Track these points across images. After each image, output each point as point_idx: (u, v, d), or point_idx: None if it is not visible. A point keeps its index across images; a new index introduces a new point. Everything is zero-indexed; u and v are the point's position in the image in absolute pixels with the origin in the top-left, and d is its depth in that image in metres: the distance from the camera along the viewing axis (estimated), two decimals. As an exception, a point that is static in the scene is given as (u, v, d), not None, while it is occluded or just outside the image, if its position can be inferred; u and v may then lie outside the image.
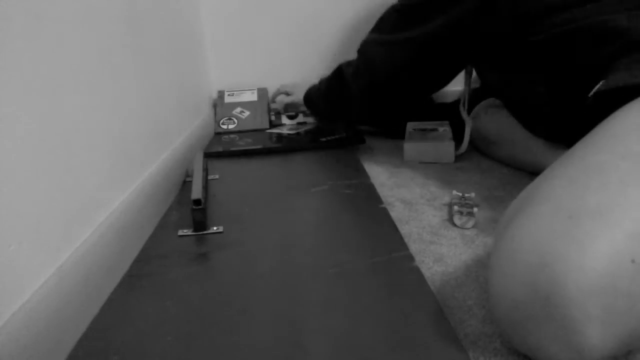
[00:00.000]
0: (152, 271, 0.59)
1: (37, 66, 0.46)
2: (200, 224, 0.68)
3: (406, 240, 0.64)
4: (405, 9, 0.92)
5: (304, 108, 1.24)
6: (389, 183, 0.92)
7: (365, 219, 0.71)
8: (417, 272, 0.55)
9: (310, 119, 1.33)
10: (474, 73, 1.04)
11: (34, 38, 0.46)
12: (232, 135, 1.27)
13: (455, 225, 0.72)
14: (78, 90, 0.55)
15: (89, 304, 0.51)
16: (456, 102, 1.17)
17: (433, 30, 0.87)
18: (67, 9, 0.53)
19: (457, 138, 1.05)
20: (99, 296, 0.53)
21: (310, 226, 0.70)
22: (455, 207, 0.75)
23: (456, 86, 1.12)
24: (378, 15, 0.99)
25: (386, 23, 0.97)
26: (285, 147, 1.13)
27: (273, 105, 1.34)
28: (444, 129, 1.11)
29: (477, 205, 0.76)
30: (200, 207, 0.68)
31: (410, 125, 1.15)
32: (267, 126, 1.33)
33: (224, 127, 1.33)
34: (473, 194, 0.80)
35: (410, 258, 0.58)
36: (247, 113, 1.36)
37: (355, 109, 1.07)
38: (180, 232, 0.68)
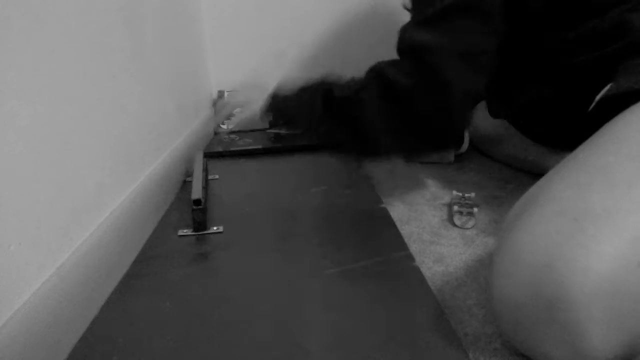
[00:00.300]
0: (152, 271, 0.59)
1: (37, 66, 0.46)
2: (200, 224, 0.68)
3: (406, 240, 0.64)
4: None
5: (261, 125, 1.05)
6: (389, 183, 0.92)
7: (365, 219, 0.71)
8: (417, 272, 0.55)
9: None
10: None
11: (34, 38, 0.46)
12: (232, 135, 1.27)
13: (455, 225, 0.72)
14: (78, 90, 0.55)
15: (89, 304, 0.51)
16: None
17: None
18: (66, 9, 0.53)
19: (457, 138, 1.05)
20: (99, 296, 0.53)
21: (310, 226, 0.70)
22: (455, 207, 0.75)
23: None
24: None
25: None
26: (285, 147, 1.13)
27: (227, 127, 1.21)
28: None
29: (477, 205, 0.76)
30: (200, 207, 0.68)
31: None
32: (267, 126, 1.33)
33: (224, 127, 1.33)
34: (473, 194, 0.80)
35: (411, 258, 0.58)
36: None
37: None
38: (180, 232, 0.68)
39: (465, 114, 0.68)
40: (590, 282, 0.37)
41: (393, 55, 0.69)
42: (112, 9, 0.67)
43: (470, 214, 0.74)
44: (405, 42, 0.68)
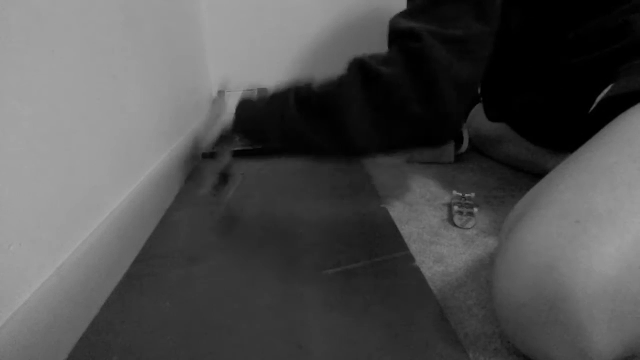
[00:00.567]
0: (152, 271, 0.59)
1: (37, 66, 0.46)
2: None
3: (406, 240, 0.64)
4: None
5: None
6: (389, 183, 0.92)
7: (365, 219, 0.71)
8: (417, 272, 0.55)
9: None
10: None
11: (34, 38, 0.46)
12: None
13: (455, 225, 0.72)
14: (78, 90, 0.55)
15: (89, 304, 0.51)
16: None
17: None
18: (67, 9, 0.53)
19: (457, 138, 1.05)
20: (99, 296, 0.53)
21: (310, 226, 0.70)
22: (455, 207, 0.75)
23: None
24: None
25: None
26: None
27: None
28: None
29: (477, 205, 0.76)
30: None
31: None
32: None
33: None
34: (473, 194, 0.80)
35: (411, 258, 0.58)
36: None
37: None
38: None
39: (454, 104, 0.61)
40: (592, 283, 0.37)
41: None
42: (112, 9, 0.67)
43: (470, 214, 0.74)
44: (393, 30, 0.64)
